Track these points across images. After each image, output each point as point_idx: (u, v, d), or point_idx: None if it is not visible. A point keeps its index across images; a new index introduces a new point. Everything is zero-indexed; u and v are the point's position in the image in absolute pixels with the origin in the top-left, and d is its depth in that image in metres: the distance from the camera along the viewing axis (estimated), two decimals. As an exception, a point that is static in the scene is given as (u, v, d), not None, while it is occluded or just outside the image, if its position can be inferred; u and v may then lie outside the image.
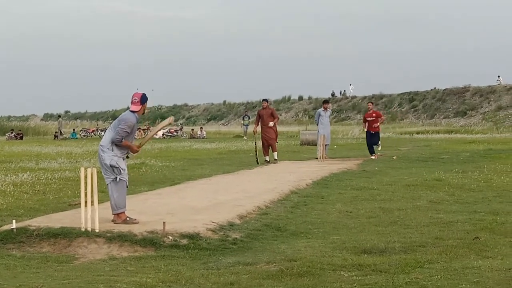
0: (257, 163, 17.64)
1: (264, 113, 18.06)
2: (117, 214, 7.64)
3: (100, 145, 7.80)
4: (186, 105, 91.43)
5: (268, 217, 8.47)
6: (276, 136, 18.41)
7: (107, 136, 7.81)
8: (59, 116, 51.94)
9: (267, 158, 18.02)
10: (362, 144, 27.82)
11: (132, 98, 7.87)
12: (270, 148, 18.16)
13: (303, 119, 64.00)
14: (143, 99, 7.87)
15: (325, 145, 19.32)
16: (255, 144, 18.33)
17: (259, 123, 18.28)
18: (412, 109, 65.99)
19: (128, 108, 8.11)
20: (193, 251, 6.55)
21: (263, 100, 18.72)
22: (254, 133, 18.35)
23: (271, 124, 17.92)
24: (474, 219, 8.16)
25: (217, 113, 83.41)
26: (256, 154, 18.05)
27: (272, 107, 18.93)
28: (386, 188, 11.58)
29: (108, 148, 7.74)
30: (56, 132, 51.01)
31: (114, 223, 7.55)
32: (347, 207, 9.42)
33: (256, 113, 20.63)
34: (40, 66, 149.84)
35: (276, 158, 18.32)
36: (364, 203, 9.76)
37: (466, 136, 38.37)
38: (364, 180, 12.94)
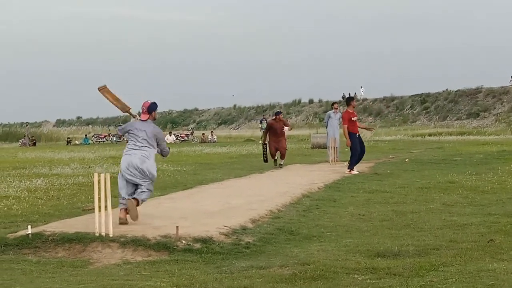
0: (265, 161, 17.79)
1: (278, 126, 17.95)
2: (127, 212, 8.07)
3: (147, 155, 8.32)
4: (196, 109, 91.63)
5: (280, 220, 8.49)
6: (286, 146, 18.54)
7: (150, 149, 8.40)
8: (27, 124, 51.84)
9: (276, 158, 18.14)
10: (374, 147, 27.82)
11: (141, 108, 8.54)
12: (279, 154, 18.08)
13: (314, 122, 63.96)
14: (150, 108, 8.51)
15: (335, 147, 19.23)
16: (264, 148, 18.18)
17: (268, 135, 18.08)
18: (424, 111, 65.79)
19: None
20: (206, 255, 6.58)
21: (277, 113, 18.66)
22: (263, 145, 18.11)
23: (286, 129, 18.06)
24: (488, 221, 8.12)
25: (228, 117, 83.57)
26: (265, 152, 18.02)
27: (284, 119, 18.83)
28: (398, 191, 11.55)
29: (153, 159, 8.43)
30: (68, 138, 51.32)
31: (122, 221, 7.99)
32: (359, 210, 9.41)
33: (256, 121, 20.68)
34: (51, 72, 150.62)
35: (282, 163, 18.14)
36: (377, 206, 9.75)
37: (479, 137, 38.20)
38: (377, 183, 12.92)
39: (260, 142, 18.60)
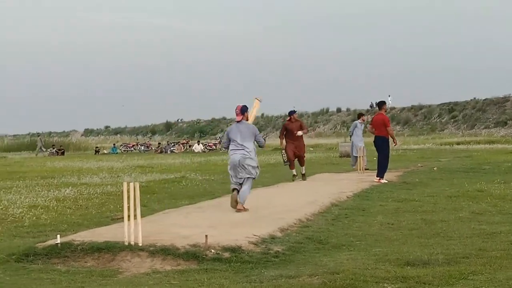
0: (290, 165, 16.45)
1: (294, 126, 16.11)
2: (242, 205, 9.95)
3: (247, 151, 10.11)
4: (224, 118, 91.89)
5: (309, 229, 8.46)
6: (305, 151, 16.82)
7: (249, 145, 10.18)
8: (38, 135, 52.22)
9: (295, 172, 16.43)
10: (402, 155, 27.66)
11: (235, 111, 10.30)
12: (298, 161, 16.37)
13: (342, 131, 63.76)
14: (242, 110, 10.35)
15: (362, 156, 19.17)
16: (282, 152, 16.71)
17: (284, 137, 16.31)
18: (452, 120, 65.22)
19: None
20: (235, 264, 6.57)
21: (291, 112, 16.59)
22: (282, 148, 16.44)
23: (299, 133, 16.02)
24: (518, 230, 8.02)
25: (256, 126, 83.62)
26: (285, 157, 16.59)
27: (300, 119, 16.84)
28: (427, 200, 11.45)
29: (254, 153, 10.22)
30: (96, 147, 51.78)
31: (237, 211, 9.83)
32: (388, 219, 9.34)
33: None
34: (79, 81, 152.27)
35: (304, 173, 16.55)
36: (406, 215, 9.67)
37: (507, 146, 37.75)
38: (405, 192, 12.83)
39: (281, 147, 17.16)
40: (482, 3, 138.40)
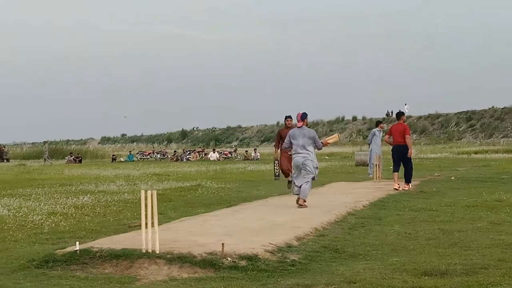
0: (277, 176, 15.08)
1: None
2: (303, 200, 11.47)
3: (307, 153, 11.69)
4: (239, 126, 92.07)
5: (325, 238, 8.46)
6: None
7: (309, 148, 11.74)
8: (45, 142, 52.31)
9: (290, 178, 14.21)
10: (419, 164, 27.50)
11: (296, 117, 12.04)
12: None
13: (357, 139, 63.60)
14: (303, 117, 11.93)
15: (378, 165, 19.11)
16: (275, 163, 15.24)
17: (279, 148, 14.43)
18: (470, 129, 64.89)
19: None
20: (251, 273, 6.58)
21: (288, 117, 14.74)
22: (275, 158, 14.72)
23: None
24: (537, 240, 7.96)
25: (271, 135, 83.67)
26: (277, 167, 15.12)
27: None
28: (445, 209, 11.40)
29: (314, 155, 11.79)
30: (113, 155, 52.04)
31: (299, 207, 11.39)
32: (405, 228, 9.31)
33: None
34: (96, 90, 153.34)
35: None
36: (423, 225, 9.63)
37: (526, 155, 37.45)
38: (422, 201, 12.78)
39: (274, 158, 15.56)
40: (500, 12, 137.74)
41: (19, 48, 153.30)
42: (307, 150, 11.72)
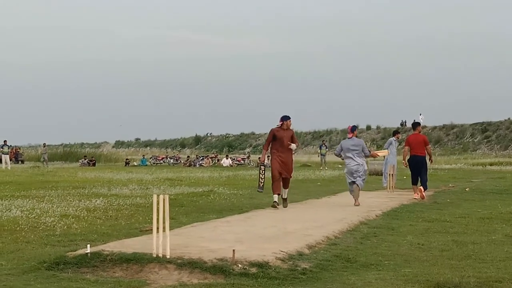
0: (261, 189, 13.27)
1: (285, 135, 12.89)
2: (359, 189, 13.87)
3: (358, 160, 13.86)
4: (253, 133, 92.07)
5: (337, 247, 8.39)
6: (292, 170, 13.41)
7: (359, 155, 13.96)
8: (44, 145, 52.35)
9: (276, 198, 12.83)
10: (433, 175, 27.30)
11: (347, 128, 14.41)
12: (283, 183, 13.01)
13: (372, 148, 63.39)
14: (352, 129, 14.16)
15: (393, 174, 19.00)
16: (260, 170, 13.44)
17: (269, 148, 13.09)
18: (485, 140, 64.51)
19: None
20: (262, 280, 6.53)
21: (285, 117, 13.07)
22: (259, 161, 13.87)
23: (293, 146, 12.92)
24: (553, 254, 7.85)
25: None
26: (263, 176, 13.30)
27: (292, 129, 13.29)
28: (459, 221, 11.29)
29: (363, 161, 14.04)
30: (127, 159, 52.19)
31: (356, 205, 13.52)
32: (418, 239, 9.22)
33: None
34: (111, 95, 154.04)
35: (286, 197, 13.17)
36: (437, 236, 9.54)
37: (542, 168, 37.12)
38: (436, 212, 12.67)
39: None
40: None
41: (36, 51, 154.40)
42: (358, 158, 13.78)
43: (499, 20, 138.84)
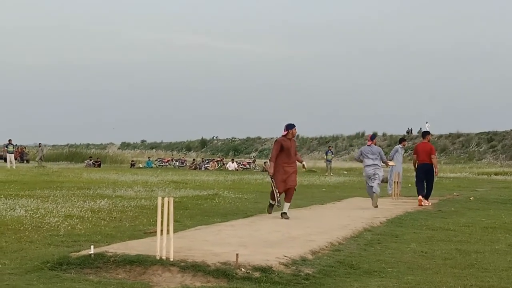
0: (277, 202, 12.23)
1: (292, 145, 12.31)
2: (377, 195, 15.20)
3: (376, 166, 15.38)
4: (259, 138, 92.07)
5: (341, 253, 8.39)
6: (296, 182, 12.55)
7: (377, 161, 15.40)
8: (40, 145, 52.36)
9: (272, 202, 12.34)
10: (438, 183, 27.23)
11: (368, 138, 15.88)
12: (285, 194, 12.32)
13: (377, 155, 63.21)
14: (372, 137, 15.76)
15: (398, 182, 18.98)
16: (273, 182, 12.27)
17: (276, 159, 12.20)
18: (491, 149, 64.32)
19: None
20: (265, 285, 6.54)
21: (291, 125, 12.38)
22: (271, 174, 12.13)
23: (305, 164, 13.26)
24: (557, 265, 7.83)
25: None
26: (277, 192, 12.24)
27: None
28: (462, 230, 11.27)
29: (381, 166, 15.47)
30: (132, 161, 52.27)
31: (375, 208, 14.72)
32: (422, 247, 9.21)
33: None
34: (118, 96, 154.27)
35: (287, 211, 12.20)
36: (440, 244, 9.53)
37: (547, 178, 37.00)
38: (440, 220, 12.65)
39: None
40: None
41: (46, 52, 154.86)
42: (376, 163, 15.26)
43: (506, 29, 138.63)
